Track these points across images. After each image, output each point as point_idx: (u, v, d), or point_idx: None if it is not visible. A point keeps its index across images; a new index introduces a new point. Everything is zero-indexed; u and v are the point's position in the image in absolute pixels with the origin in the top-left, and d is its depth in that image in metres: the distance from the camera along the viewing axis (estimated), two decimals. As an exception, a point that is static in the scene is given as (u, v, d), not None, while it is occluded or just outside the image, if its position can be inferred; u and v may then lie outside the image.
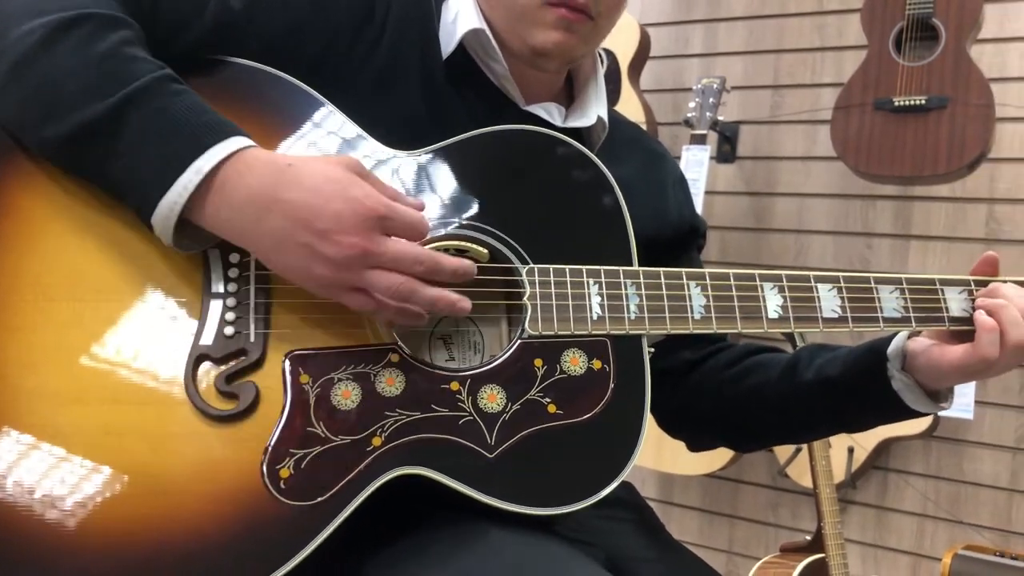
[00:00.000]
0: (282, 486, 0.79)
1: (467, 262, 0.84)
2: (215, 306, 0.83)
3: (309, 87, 0.91)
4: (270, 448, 0.80)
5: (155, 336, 0.81)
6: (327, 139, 0.90)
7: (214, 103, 0.85)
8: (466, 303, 0.83)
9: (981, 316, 0.95)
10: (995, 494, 2.49)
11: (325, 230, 0.77)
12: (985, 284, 1.00)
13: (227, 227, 0.80)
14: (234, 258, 0.84)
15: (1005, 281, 1.00)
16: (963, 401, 2.39)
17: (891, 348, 1.00)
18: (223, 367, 0.81)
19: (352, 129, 0.91)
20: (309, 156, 0.85)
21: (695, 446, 1.23)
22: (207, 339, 0.82)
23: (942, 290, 0.99)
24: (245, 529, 0.78)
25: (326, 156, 0.85)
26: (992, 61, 2.44)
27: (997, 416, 2.47)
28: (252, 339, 0.83)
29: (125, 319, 0.81)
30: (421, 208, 0.85)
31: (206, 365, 0.82)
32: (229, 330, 0.82)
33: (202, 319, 0.82)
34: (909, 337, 1.00)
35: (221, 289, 0.84)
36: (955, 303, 0.98)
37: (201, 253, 0.84)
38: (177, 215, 0.78)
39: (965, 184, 2.44)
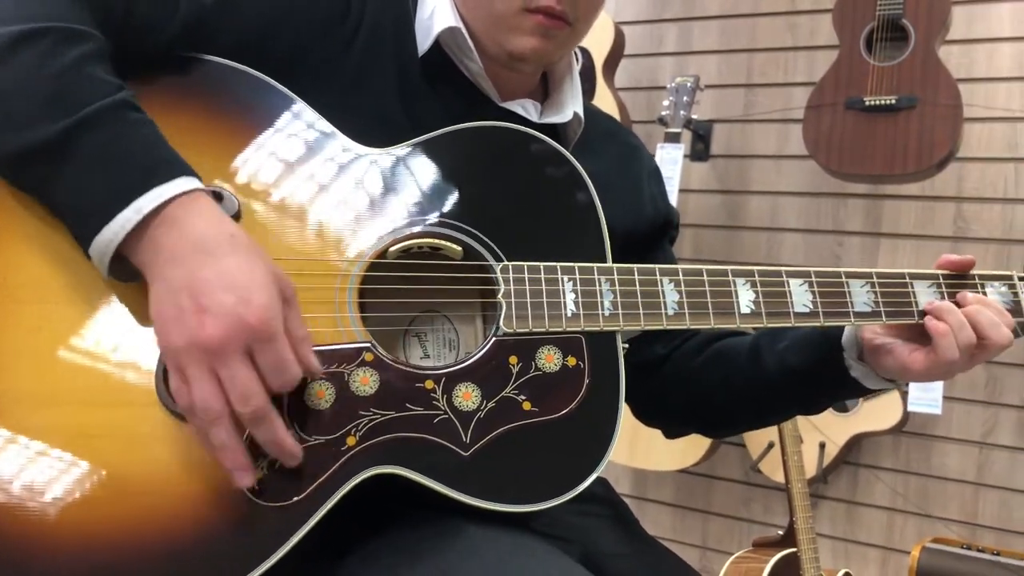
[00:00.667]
0: (257, 487, 0.78)
1: (294, 447, 0.77)
2: None
3: (283, 85, 0.90)
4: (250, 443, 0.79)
5: (126, 337, 0.80)
6: (299, 138, 0.89)
7: (186, 101, 0.84)
8: (246, 481, 0.76)
9: (931, 322, 0.96)
10: (962, 488, 2.53)
11: (203, 307, 0.73)
12: (954, 278, 1.01)
13: (142, 261, 0.77)
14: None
15: (973, 276, 1.01)
16: (931, 396, 2.43)
17: (844, 339, 1.01)
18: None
19: (325, 128, 0.90)
20: (254, 247, 0.79)
21: (670, 435, 1.25)
22: None
23: (912, 284, 1.00)
24: (219, 530, 0.77)
25: (268, 262, 0.78)
26: (960, 62, 2.48)
27: (964, 411, 2.52)
28: (224, 338, 0.82)
29: (95, 320, 0.80)
30: (318, 374, 0.80)
31: (178, 365, 0.81)
32: (200, 330, 0.81)
33: None
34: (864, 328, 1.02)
35: None
36: (924, 297, 1.00)
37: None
38: (113, 251, 0.76)
39: (934, 183, 2.47)
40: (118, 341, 0.80)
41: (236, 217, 0.84)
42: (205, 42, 0.89)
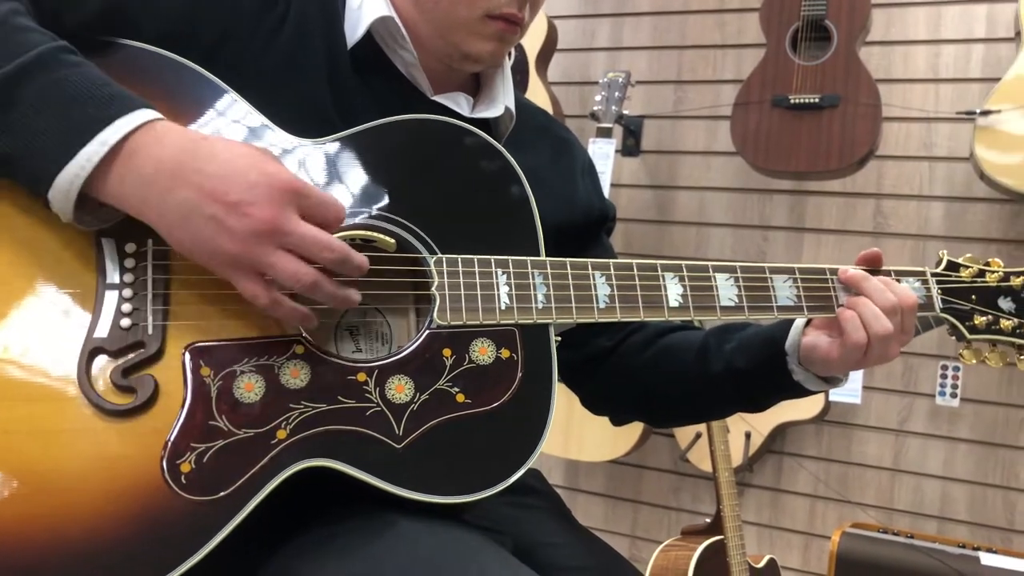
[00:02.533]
0: (183, 481, 0.77)
1: (364, 260, 0.82)
2: (110, 297, 0.80)
3: (209, 73, 0.88)
4: (170, 442, 0.78)
5: (46, 329, 0.78)
6: (229, 127, 0.88)
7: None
8: (356, 297, 0.83)
9: (841, 311, 1.00)
10: (879, 474, 2.62)
11: (237, 202, 0.75)
12: (870, 272, 1.05)
13: (131, 199, 0.77)
14: (130, 248, 0.82)
15: (888, 271, 1.05)
16: (852, 387, 2.51)
17: (788, 343, 1.05)
18: (119, 360, 0.79)
19: (255, 118, 0.89)
20: (219, 136, 0.82)
21: (617, 422, 1.28)
22: (102, 331, 0.79)
23: (831, 279, 1.04)
24: (145, 526, 0.76)
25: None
26: (879, 63, 2.56)
27: (882, 400, 2.61)
28: (150, 331, 0.80)
29: (13, 312, 0.78)
30: (344, 214, 0.83)
31: (101, 359, 0.79)
32: (125, 322, 0.80)
33: (96, 311, 0.80)
34: (805, 325, 1.05)
35: (117, 280, 0.81)
36: (843, 291, 1.03)
37: (95, 243, 0.81)
38: (79, 188, 0.75)
39: (855, 180, 2.55)
40: (39, 333, 0.78)
41: None
42: (127, 28, 0.87)
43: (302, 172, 0.88)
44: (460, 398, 0.87)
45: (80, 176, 0.75)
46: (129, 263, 0.81)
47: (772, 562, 2.29)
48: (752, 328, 1.10)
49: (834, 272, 1.04)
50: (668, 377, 1.14)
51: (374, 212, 0.90)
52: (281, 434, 0.81)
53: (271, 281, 0.79)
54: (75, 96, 0.76)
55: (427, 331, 0.88)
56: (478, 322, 0.89)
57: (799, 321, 1.05)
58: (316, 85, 0.95)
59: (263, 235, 0.75)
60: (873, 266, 1.06)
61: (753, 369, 1.07)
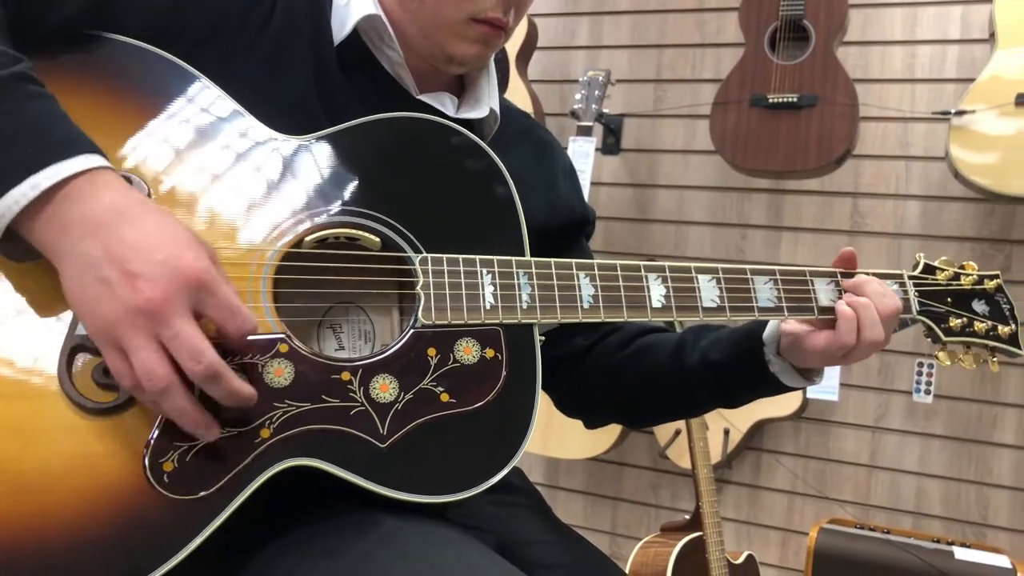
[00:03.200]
0: (165, 480, 0.76)
1: (249, 390, 0.76)
2: None
3: (194, 68, 0.88)
4: (152, 441, 0.77)
5: (26, 327, 0.77)
6: (212, 125, 0.87)
7: (89, 81, 0.81)
8: (214, 434, 0.76)
9: (842, 306, 1.01)
10: (856, 470, 2.65)
11: (133, 272, 0.71)
12: (850, 276, 1.06)
13: (48, 244, 0.74)
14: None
15: (867, 273, 1.07)
16: (829, 384, 2.54)
17: (766, 334, 1.06)
18: (101, 358, 0.78)
19: (239, 114, 0.89)
20: (164, 209, 0.77)
21: (591, 425, 1.27)
22: (83, 328, 0.78)
23: (812, 281, 1.05)
24: (126, 525, 0.75)
25: (187, 227, 0.77)
26: (856, 63, 2.59)
27: (859, 397, 2.64)
28: (133, 329, 0.79)
29: (-7, 310, 0.77)
30: (252, 329, 0.77)
31: (83, 356, 0.78)
32: (108, 320, 0.79)
33: None
34: (783, 322, 1.06)
35: None
36: (823, 294, 1.04)
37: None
38: (3, 227, 0.73)
39: (832, 179, 2.58)
40: (19, 330, 0.77)
41: None
42: (112, 22, 0.86)
43: (285, 168, 0.88)
44: (444, 398, 0.87)
45: (5, 216, 0.73)
46: (112, 261, 0.81)
47: (751, 558, 2.31)
48: (729, 327, 1.11)
49: (815, 274, 1.05)
50: (644, 373, 1.14)
51: (358, 210, 0.90)
52: (265, 433, 0.80)
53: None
54: (18, 133, 0.74)
55: (412, 330, 0.88)
56: (463, 321, 0.89)
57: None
58: (302, 82, 0.95)
59: (141, 315, 0.70)
60: (849, 266, 1.07)
61: (729, 361, 1.07)
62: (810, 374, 1.07)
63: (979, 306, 1.11)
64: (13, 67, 0.75)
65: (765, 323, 1.06)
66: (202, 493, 0.77)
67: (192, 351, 0.72)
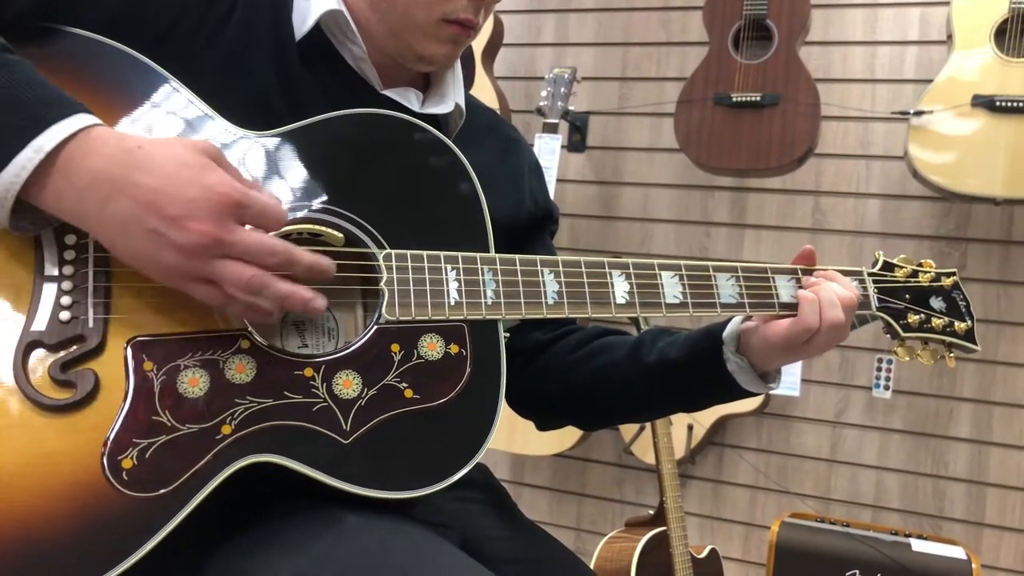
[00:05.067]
0: (124, 477, 0.76)
1: (326, 259, 0.82)
2: (49, 290, 0.78)
3: (154, 63, 0.87)
4: (111, 438, 0.76)
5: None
6: (172, 118, 0.86)
7: (48, 76, 0.79)
8: (320, 302, 0.81)
9: (801, 292, 1.03)
10: (817, 465, 2.69)
11: (176, 216, 0.74)
12: (809, 272, 1.08)
13: (69, 210, 0.76)
14: (70, 239, 0.80)
15: (826, 270, 1.08)
16: (791, 379, 2.57)
17: (726, 332, 1.06)
18: (58, 354, 0.77)
19: (199, 108, 0.88)
20: (161, 138, 0.81)
21: (543, 425, 1.25)
22: (39, 324, 0.77)
23: (773, 278, 1.06)
24: (84, 523, 0.74)
25: (180, 139, 0.81)
26: (818, 63, 2.62)
27: (820, 393, 2.67)
28: (91, 324, 0.78)
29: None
30: (284, 217, 0.82)
31: (39, 352, 0.77)
32: (65, 315, 0.78)
33: (34, 303, 0.78)
34: (743, 321, 1.07)
35: (56, 272, 0.79)
36: (784, 290, 1.06)
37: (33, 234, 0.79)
38: (13, 196, 0.73)
39: (794, 177, 2.61)
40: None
41: None
42: (70, 17, 0.85)
43: (246, 165, 0.87)
44: (408, 393, 0.87)
45: (15, 184, 0.73)
46: (69, 255, 0.80)
47: (714, 552, 2.33)
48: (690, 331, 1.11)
49: (776, 271, 1.06)
50: (598, 372, 1.13)
51: (322, 206, 0.89)
52: (226, 429, 0.80)
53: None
54: (8, 100, 0.74)
55: (375, 326, 0.88)
56: (427, 317, 0.89)
57: (739, 317, 1.07)
58: (263, 77, 0.94)
59: (205, 248, 0.75)
60: (809, 264, 1.08)
61: (687, 359, 1.07)
62: (767, 378, 1.07)
63: (936, 303, 1.13)
64: None
65: (726, 324, 1.07)
66: (161, 491, 0.76)
67: (262, 250, 0.77)
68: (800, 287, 1.05)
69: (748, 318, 1.07)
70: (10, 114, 0.74)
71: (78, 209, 0.76)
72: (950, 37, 2.33)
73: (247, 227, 0.78)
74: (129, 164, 0.75)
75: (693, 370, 1.08)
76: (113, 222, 0.75)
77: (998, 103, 2.18)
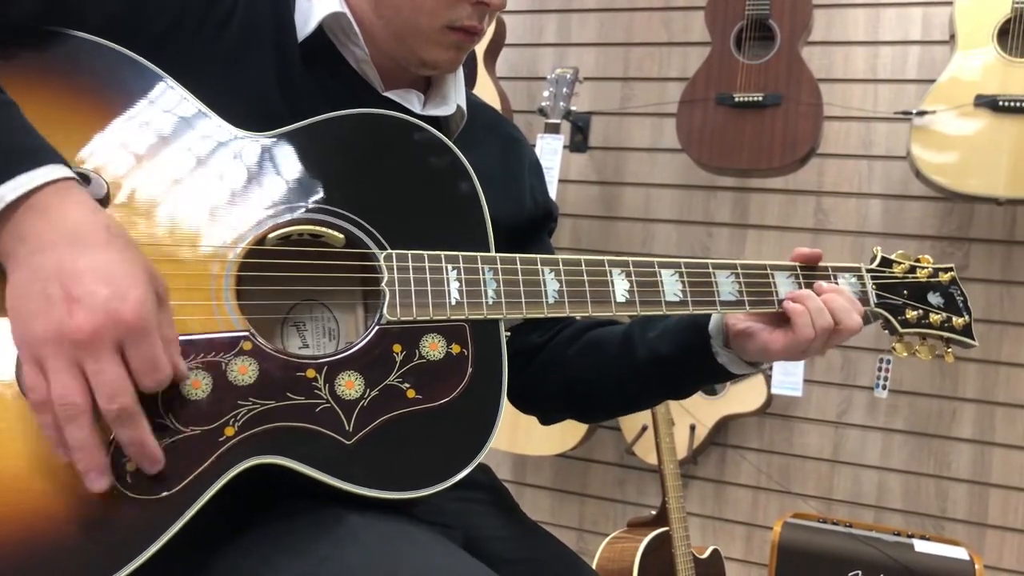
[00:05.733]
0: (128, 480, 0.76)
1: (159, 453, 0.75)
2: None
3: (155, 65, 0.87)
4: (115, 440, 0.76)
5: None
6: (172, 119, 0.86)
7: (49, 78, 0.79)
8: (101, 484, 0.73)
9: (789, 304, 1.03)
10: (819, 465, 2.69)
11: (75, 298, 0.70)
12: (810, 270, 1.08)
13: (5, 249, 0.73)
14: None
15: (826, 267, 1.08)
16: (793, 380, 2.57)
17: (711, 327, 1.07)
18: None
19: (201, 110, 0.88)
20: (127, 240, 0.76)
21: (546, 420, 1.27)
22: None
23: (772, 275, 1.06)
24: (88, 526, 0.74)
25: (145, 262, 0.76)
26: (820, 63, 2.62)
27: (822, 393, 2.67)
28: (93, 327, 0.78)
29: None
30: (184, 378, 0.78)
31: (41, 355, 0.77)
32: (67, 319, 0.78)
33: None
34: (732, 320, 1.07)
35: None
36: (783, 286, 1.06)
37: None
38: None
39: (796, 177, 2.61)
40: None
41: (104, 200, 0.81)
42: (72, 18, 0.85)
43: (248, 164, 0.87)
44: (411, 394, 0.87)
45: None
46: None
47: (716, 553, 2.33)
48: (674, 318, 1.12)
49: (775, 268, 1.06)
50: (593, 368, 1.15)
51: (323, 207, 0.89)
52: (229, 431, 0.80)
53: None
54: None
55: (377, 327, 0.88)
56: (428, 317, 0.89)
57: None
58: (264, 78, 0.94)
59: (68, 341, 0.70)
60: (809, 263, 1.08)
61: (677, 354, 1.09)
62: (757, 363, 1.09)
63: (934, 298, 1.13)
64: None
65: (708, 316, 1.08)
66: (165, 493, 0.76)
67: (112, 389, 0.71)
68: (799, 283, 1.06)
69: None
70: None
71: (11, 249, 0.73)
72: (953, 37, 2.32)
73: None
74: (86, 238, 0.72)
75: (684, 363, 1.10)
76: (25, 270, 0.72)
77: (1001, 103, 2.18)
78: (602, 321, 1.21)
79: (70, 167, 0.76)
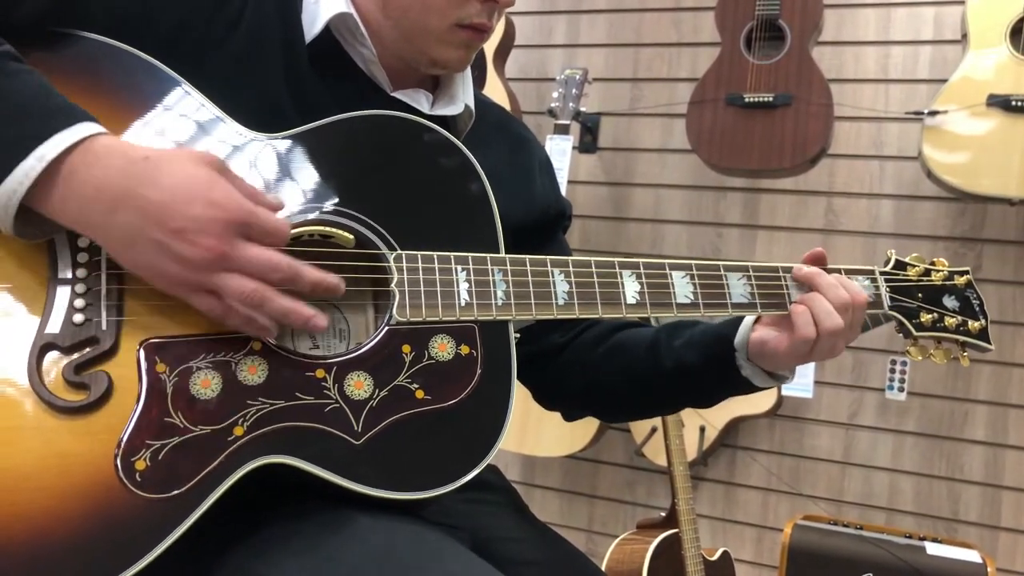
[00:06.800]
0: (138, 479, 0.76)
1: (332, 277, 0.83)
2: (62, 293, 0.79)
3: (165, 66, 0.87)
4: (124, 439, 0.77)
5: (-6, 327, 0.76)
6: (182, 121, 0.87)
7: (60, 80, 0.80)
8: (321, 320, 0.82)
9: (793, 306, 1.02)
10: (830, 467, 2.68)
11: (180, 229, 0.75)
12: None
13: (74, 219, 0.76)
14: (83, 242, 0.80)
15: (838, 269, 1.08)
16: (804, 381, 2.56)
17: (737, 340, 1.07)
18: (72, 356, 0.78)
19: (210, 111, 0.88)
20: (168, 150, 0.81)
21: (569, 418, 1.28)
22: (54, 327, 0.78)
23: (784, 277, 1.05)
24: (98, 524, 0.74)
25: (187, 150, 0.81)
26: (831, 63, 2.61)
27: (833, 395, 2.66)
28: (104, 327, 0.79)
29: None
30: (280, 207, 0.83)
31: (53, 354, 0.78)
32: (78, 318, 0.78)
33: (48, 306, 0.78)
34: (755, 322, 1.07)
35: (69, 275, 0.79)
36: (796, 289, 1.05)
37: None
38: (17, 204, 0.74)
39: (807, 178, 2.60)
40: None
41: None
42: (80, 18, 0.85)
43: (256, 167, 0.88)
44: (419, 394, 0.87)
45: (18, 192, 0.74)
46: (82, 258, 0.80)
47: (726, 555, 2.32)
48: (702, 326, 1.12)
49: (787, 270, 1.06)
50: (619, 372, 1.15)
51: (332, 208, 0.89)
52: (238, 431, 0.80)
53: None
54: (13, 108, 0.75)
55: (386, 327, 0.88)
56: (438, 318, 0.89)
57: (748, 319, 1.07)
58: (273, 79, 0.94)
59: (208, 262, 0.76)
60: (820, 265, 1.08)
61: (703, 365, 1.09)
62: (781, 376, 1.08)
63: (950, 302, 1.12)
64: None
65: (736, 326, 1.07)
66: (175, 492, 0.77)
67: (266, 266, 0.78)
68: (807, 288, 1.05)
69: (758, 320, 1.07)
70: (16, 122, 0.74)
71: (83, 218, 0.76)
72: (965, 36, 2.31)
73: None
74: (135, 176, 0.76)
75: (709, 374, 1.10)
76: (118, 232, 0.76)
77: (1014, 103, 2.17)
78: (627, 323, 1.20)
79: (99, 124, 0.78)
